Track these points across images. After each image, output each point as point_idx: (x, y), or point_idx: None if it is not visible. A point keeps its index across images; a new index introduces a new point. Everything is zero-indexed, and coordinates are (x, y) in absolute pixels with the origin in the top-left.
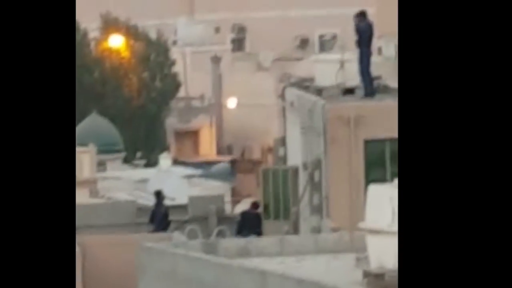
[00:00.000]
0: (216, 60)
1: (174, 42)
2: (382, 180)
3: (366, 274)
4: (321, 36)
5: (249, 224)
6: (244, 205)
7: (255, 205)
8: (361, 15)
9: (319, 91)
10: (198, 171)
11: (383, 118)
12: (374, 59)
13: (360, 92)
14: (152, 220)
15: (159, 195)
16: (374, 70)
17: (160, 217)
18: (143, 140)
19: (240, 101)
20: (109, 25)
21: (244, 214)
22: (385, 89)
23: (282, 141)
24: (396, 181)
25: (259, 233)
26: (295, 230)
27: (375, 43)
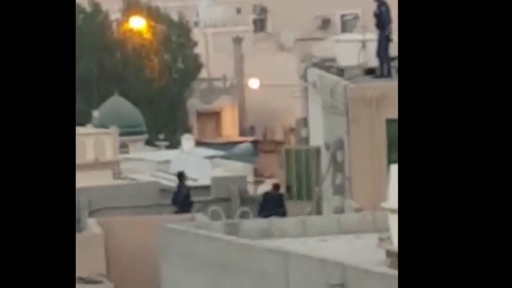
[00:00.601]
0: (237, 41)
1: (196, 24)
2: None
3: (389, 254)
4: (342, 16)
5: (271, 205)
6: (266, 186)
7: (276, 186)
8: None
9: (341, 71)
10: (221, 152)
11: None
12: (396, 38)
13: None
14: (174, 201)
15: (181, 176)
16: (396, 50)
17: (182, 198)
18: (165, 122)
19: (262, 82)
20: (131, 7)
21: (266, 195)
22: None
23: (304, 122)
24: None
25: (282, 213)
26: (318, 210)
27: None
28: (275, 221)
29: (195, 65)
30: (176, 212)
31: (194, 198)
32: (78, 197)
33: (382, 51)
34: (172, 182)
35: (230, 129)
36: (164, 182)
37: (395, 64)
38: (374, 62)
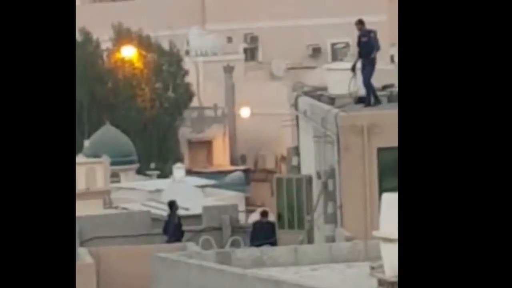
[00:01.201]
0: (228, 69)
1: (187, 52)
2: (395, 188)
3: (381, 283)
4: (333, 45)
5: (262, 234)
6: (258, 215)
7: (264, 213)
8: (359, 24)
9: (332, 100)
10: (212, 181)
11: (397, 126)
12: (387, 67)
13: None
14: (165, 230)
15: (172, 205)
16: (387, 78)
17: (173, 227)
18: (156, 151)
19: (253, 111)
20: (122, 36)
21: (256, 224)
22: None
23: (296, 150)
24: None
25: (273, 243)
26: (310, 239)
27: (387, 51)
28: (266, 250)
29: (186, 94)
30: (167, 242)
31: (186, 227)
32: None
33: (368, 79)
34: (163, 211)
35: (221, 158)
36: (155, 211)
37: (387, 92)
38: (365, 91)
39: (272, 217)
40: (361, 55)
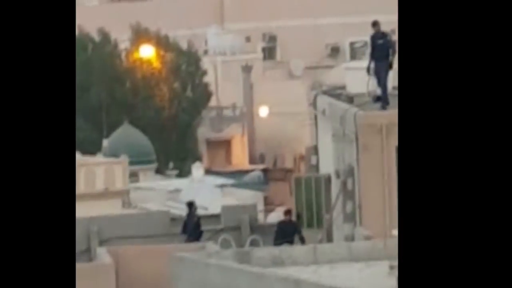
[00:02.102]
0: (247, 69)
1: (205, 52)
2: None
3: None
4: (351, 44)
5: (287, 233)
6: (277, 214)
7: (287, 212)
8: (375, 25)
9: (350, 99)
10: (231, 181)
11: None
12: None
13: (390, 99)
14: (184, 230)
15: (191, 205)
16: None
17: (192, 227)
18: (175, 150)
19: (272, 110)
20: (140, 35)
21: (280, 224)
22: None
23: (314, 149)
24: None
25: (300, 240)
26: (329, 238)
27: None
28: (285, 249)
29: (204, 94)
30: (186, 241)
31: (204, 227)
32: (89, 226)
33: (384, 82)
34: (182, 211)
35: (240, 157)
36: (174, 211)
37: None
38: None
39: (293, 217)
40: (374, 56)
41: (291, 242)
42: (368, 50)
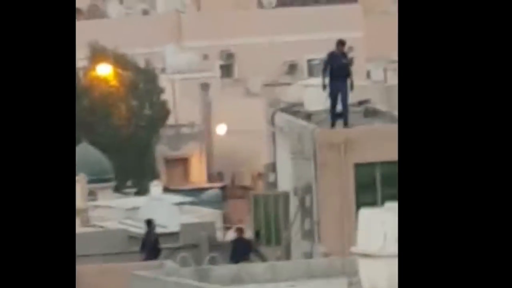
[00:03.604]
0: (204, 87)
1: (163, 70)
2: (373, 203)
3: None
4: (309, 61)
5: (242, 251)
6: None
7: (239, 230)
8: (341, 44)
9: (308, 116)
10: (189, 198)
11: (373, 142)
12: (362, 83)
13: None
14: (143, 248)
15: (149, 223)
16: (363, 94)
17: (150, 245)
18: (133, 168)
19: (230, 127)
20: (97, 54)
21: (235, 242)
22: (374, 113)
23: (272, 167)
24: (387, 204)
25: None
26: (287, 255)
27: (364, 66)
28: (244, 267)
29: (162, 112)
30: (145, 259)
31: (163, 244)
32: None
33: (346, 99)
34: (140, 229)
35: (198, 175)
36: (132, 229)
37: (362, 108)
38: (341, 107)
39: (248, 234)
40: (335, 74)
41: (246, 259)
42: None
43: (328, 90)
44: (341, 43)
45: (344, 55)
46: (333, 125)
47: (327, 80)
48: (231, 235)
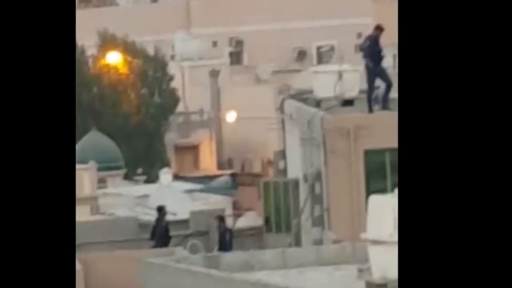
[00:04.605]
0: (214, 74)
1: (172, 57)
2: (382, 190)
3: (369, 285)
4: (319, 48)
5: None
6: (246, 218)
7: (221, 218)
8: (379, 29)
9: (318, 103)
10: (199, 186)
11: (383, 128)
12: None
13: (358, 103)
14: (153, 235)
15: (160, 210)
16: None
17: (160, 232)
18: (143, 156)
19: (239, 115)
20: (107, 42)
21: (223, 232)
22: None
23: (282, 154)
24: (397, 191)
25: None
26: (297, 242)
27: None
28: (254, 254)
29: (172, 99)
30: (155, 247)
31: (173, 232)
32: None
33: (373, 83)
34: (150, 217)
35: (208, 162)
36: (142, 217)
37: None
38: (351, 93)
39: (256, 221)
40: (375, 59)
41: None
42: (335, 54)
43: (369, 74)
44: (379, 28)
45: (377, 40)
46: (370, 110)
47: (370, 63)
48: (242, 221)
